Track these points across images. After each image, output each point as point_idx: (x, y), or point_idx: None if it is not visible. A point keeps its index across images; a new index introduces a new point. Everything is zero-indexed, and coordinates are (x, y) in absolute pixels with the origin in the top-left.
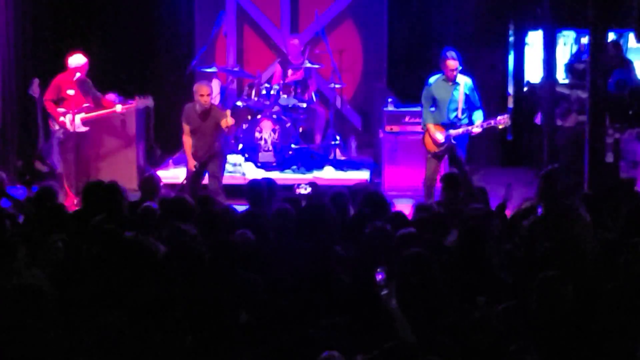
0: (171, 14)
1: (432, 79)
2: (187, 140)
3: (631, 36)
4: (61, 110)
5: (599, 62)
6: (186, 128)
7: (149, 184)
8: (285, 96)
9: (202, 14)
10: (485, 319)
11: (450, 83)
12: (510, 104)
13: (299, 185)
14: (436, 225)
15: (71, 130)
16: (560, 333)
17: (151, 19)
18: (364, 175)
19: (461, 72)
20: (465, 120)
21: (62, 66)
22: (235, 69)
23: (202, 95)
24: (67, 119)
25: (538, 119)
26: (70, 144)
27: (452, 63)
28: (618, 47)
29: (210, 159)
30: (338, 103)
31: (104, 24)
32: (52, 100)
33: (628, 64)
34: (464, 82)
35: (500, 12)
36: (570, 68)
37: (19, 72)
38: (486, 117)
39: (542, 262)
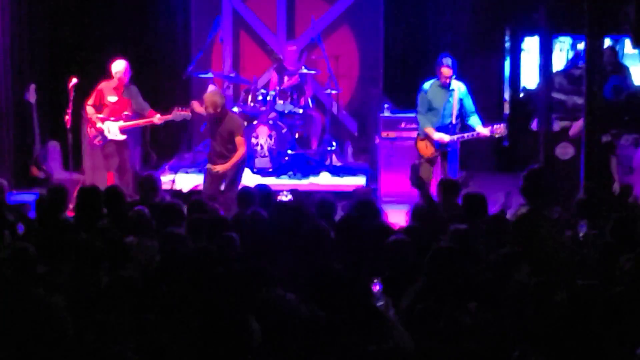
0: (167, 19)
1: (426, 85)
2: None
3: (627, 42)
4: (100, 116)
5: (596, 68)
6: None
7: (148, 183)
8: (281, 102)
9: (198, 19)
10: (477, 324)
11: (445, 89)
12: (506, 110)
13: (280, 192)
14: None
15: (109, 137)
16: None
17: (147, 25)
18: (360, 181)
19: (455, 78)
20: (459, 126)
21: (58, 71)
22: (232, 75)
23: (205, 107)
24: (105, 126)
25: (534, 125)
26: (110, 150)
27: (447, 71)
28: (614, 53)
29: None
30: (334, 109)
31: (100, 30)
32: (93, 106)
33: (624, 70)
34: (458, 87)
35: (496, 17)
36: (566, 74)
37: (15, 78)
38: (482, 123)
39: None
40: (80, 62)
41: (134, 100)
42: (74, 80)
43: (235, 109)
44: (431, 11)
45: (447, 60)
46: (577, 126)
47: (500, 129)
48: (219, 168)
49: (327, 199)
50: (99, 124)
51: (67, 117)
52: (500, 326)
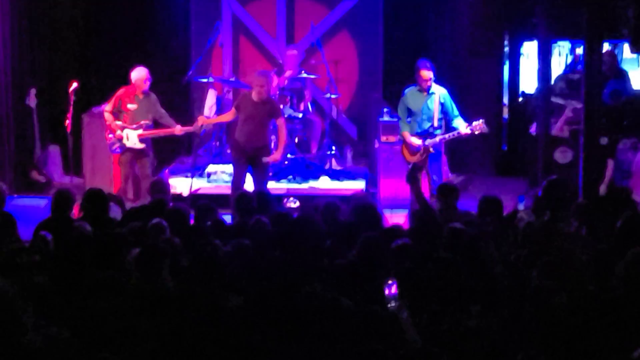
0: (167, 24)
1: (407, 90)
2: (222, 118)
3: (626, 47)
4: (119, 123)
5: (594, 73)
6: (232, 111)
7: (159, 186)
8: (281, 106)
9: (198, 24)
10: (481, 327)
11: (425, 93)
12: (506, 114)
13: (287, 199)
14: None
15: (128, 145)
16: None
17: (147, 29)
18: (359, 185)
19: (435, 81)
20: (440, 130)
21: (58, 76)
22: (231, 79)
23: (257, 86)
24: (124, 133)
25: (533, 129)
26: (127, 158)
27: (426, 73)
28: (613, 58)
29: (257, 153)
30: (334, 113)
31: (101, 35)
32: (112, 112)
33: (623, 75)
34: (439, 92)
35: (495, 22)
36: (565, 78)
37: (15, 82)
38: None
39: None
40: (81, 66)
41: (154, 109)
42: (75, 84)
43: None
44: (430, 16)
45: (425, 63)
46: (561, 122)
47: (479, 125)
48: (276, 157)
49: (330, 204)
50: (118, 132)
51: (67, 121)
52: (503, 329)
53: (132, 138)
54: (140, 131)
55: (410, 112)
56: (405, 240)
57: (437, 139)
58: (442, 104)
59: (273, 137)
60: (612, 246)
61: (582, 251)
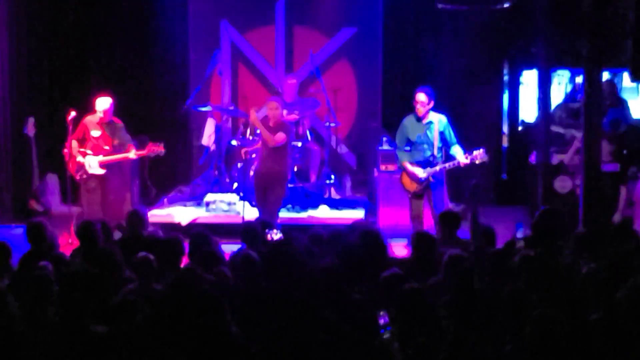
0: (166, 52)
1: (405, 119)
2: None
3: (625, 75)
4: (82, 150)
5: (594, 101)
6: (264, 133)
7: (135, 218)
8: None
9: (197, 52)
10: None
11: (423, 122)
12: (505, 143)
13: (269, 231)
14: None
15: (90, 172)
16: None
17: (146, 58)
18: (358, 214)
19: (434, 110)
20: (440, 158)
21: (57, 106)
22: (230, 108)
23: (271, 109)
24: (86, 161)
25: (533, 158)
26: (92, 186)
27: (419, 96)
28: (612, 86)
29: (271, 179)
30: (333, 142)
31: (100, 63)
32: (77, 140)
33: (622, 103)
34: (438, 119)
35: (494, 51)
36: (565, 107)
37: (13, 111)
38: (464, 152)
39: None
40: (79, 95)
41: (117, 135)
42: (73, 113)
43: (234, 142)
44: (430, 45)
45: (420, 94)
46: (571, 152)
47: (479, 154)
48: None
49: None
50: (79, 158)
51: (65, 150)
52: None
53: (93, 165)
54: (100, 157)
55: (409, 141)
56: (395, 270)
57: (437, 168)
58: (441, 133)
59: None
60: (612, 275)
61: (581, 280)
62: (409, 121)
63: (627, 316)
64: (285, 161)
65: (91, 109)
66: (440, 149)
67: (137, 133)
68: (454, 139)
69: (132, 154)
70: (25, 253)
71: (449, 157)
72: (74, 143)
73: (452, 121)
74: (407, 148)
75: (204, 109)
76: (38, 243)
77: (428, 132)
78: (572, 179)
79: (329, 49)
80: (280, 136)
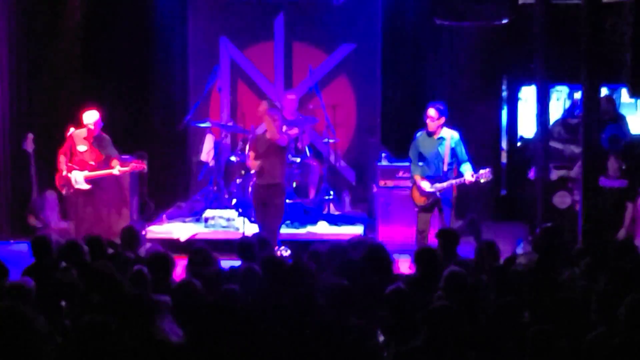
0: (165, 69)
1: (418, 134)
2: (253, 164)
3: (624, 91)
4: (69, 165)
5: (592, 117)
6: (251, 155)
7: (129, 234)
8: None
9: (196, 68)
10: None
11: (435, 137)
12: (504, 159)
13: (279, 248)
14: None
15: (76, 187)
16: None
17: (145, 74)
18: (357, 230)
19: (448, 125)
20: (451, 174)
21: (56, 121)
22: (229, 124)
23: (268, 121)
24: (72, 176)
25: (531, 174)
26: (75, 201)
27: (429, 111)
28: (611, 102)
29: (270, 192)
30: (332, 158)
31: (98, 79)
32: (64, 154)
33: (621, 119)
34: (450, 135)
35: (493, 67)
36: (563, 123)
37: (13, 127)
38: (474, 170)
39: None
40: (78, 112)
41: (104, 151)
42: (72, 130)
43: (233, 158)
44: (428, 60)
45: (430, 109)
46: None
47: (484, 173)
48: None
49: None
50: (65, 173)
51: (71, 165)
52: None
53: (79, 180)
54: (86, 172)
55: (421, 156)
56: (399, 284)
57: (445, 184)
58: (452, 149)
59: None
60: (611, 291)
61: (580, 296)
62: (421, 136)
63: (627, 333)
64: (283, 175)
65: (80, 124)
66: (450, 165)
67: (136, 149)
68: (465, 156)
69: (116, 170)
70: (28, 266)
71: (460, 174)
72: (61, 158)
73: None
74: (421, 163)
75: (203, 125)
76: (43, 257)
77: (439, 148)
78: (571, 194)
79: (328, 65)
80: (294, 130)
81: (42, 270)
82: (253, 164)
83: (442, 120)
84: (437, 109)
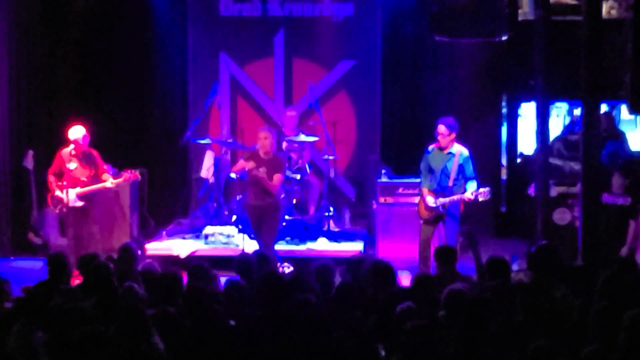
0: (165, 85)
1: (430, 147)
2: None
3: (623, 108)
4: (60, 184)
5: (592, 134)
6: (240, 162)
7: (126, 253)
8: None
9: (196, 85)
10: None
11: (445, 152)
12: (504, 175)
13: (282, 264)
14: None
15: (68, 205)
16: None
17: (145, 91)
18: (357, 246)
19: (457, 141)
20: (459, 190)
21: (56, 138)
22: (229, 141)
23: (261, 139)
24: (64, 194)
25: (531, 190)
26: (70, 219)
27: (439, 128)
28: (611, 119)
29: (264, 212)
30: (332, 174)
31: (98, 96)
32: (54, 174)
33: (621, 136)
34: (460, 152)
35: (493, 83)
36: (563, 139)
37: (12, 144)
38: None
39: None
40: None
41: (93, 166)
42: (72, 146)
43: (233, 175)
44: (428, 77)
45: (440, 126)
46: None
47: (483, 192)
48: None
49: (325, 265)
50: (56, 192)
51: (64, 183)
52: None
53: (72, 197)
54: (78, 189)
55: (431, 169)
56: (409, 303)
57: (448, 199)
58: (460, 165)
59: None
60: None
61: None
62: (433, 150)
63: (623, 349)
64: (276, 192)
65: (66, 142)
66: (456, 180)
67: (136, 165)
68: (472, 174)
69: (109, 183)
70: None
71: (465, 191)
72: (51, 178)
73: None
74: (430, 178)
75: (202, 141)
76: (58, 274)
77: (447, 163)
78: (571, 211)
79: (327, 81)
80: (278, 179)
81: (55, 287)
82: (270, 185)
83: (453, 135)
84: (447, 125)
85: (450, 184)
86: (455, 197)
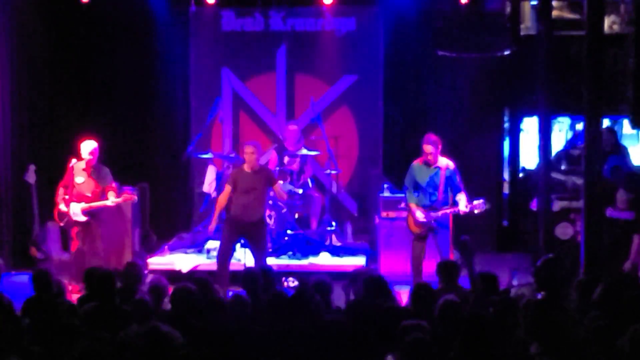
0: (167, 100)
1: (415, 162)
2: (221, 201)
3: (626, 122)
4: (65, 198)
5: (594, 149)
6: (227, 188)
7: (133, 270)
8: (281, 182)
9: (198, 100)
10: None
11: (431, 167)
12: (506, 190)
13: (286, 279)
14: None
15: (74, 219)
16: None
17: (147, 106)
18: (360, 261)
19: (446, 155)
20: (446, 203)
21: (58, 153)
22: (231, 155)
23: (246, 154)
24: (70, 208)
25: (533, 205)
26: (77, 232)
27: (426, 147)
28: (613, 133)
29: (253, 228)
30: (334, 189)
31: (100, 111)
32: (64, 186)
33: (623, 150)
34: (446, 165)
35: (495, 98)
36: (565, 154)
37: (14, 158)
38: (468, 200)
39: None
40: (79, 142)
41: (102, 181)
42: (73, 161)
43: None
44: (430, 92)
45: (426, 146)
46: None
47: (479, 204)
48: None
49: (323, 280)
50: (61, 205)
51: (67, 197)
52: None
53: (76, 212)
54: (82, 204)
55: (417, 185)
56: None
57: (440, 213)
58: (447, 178)
59: (273, 213)
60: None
61: (583, 328)
62: (417, 165)
63: None
64: (264, 211)
65: (79, 155)
66: (445, 194)
67: (138, 180)
68: (458, 187)
69: (110, 202)
70: (28, 299)
71: (455, 203)
72: (60, 190)
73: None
74: (416, 192)
75: (205, 156)
76: (43, 290)
77: (435, 177)
78: (574, 225)
79: (329, 96)
80: (279, 186)
81: (42, 304)
82: (220, 202)
83: (439, 149)
84: (433, 143)
85: (440, 197)
86: (447, 210)
